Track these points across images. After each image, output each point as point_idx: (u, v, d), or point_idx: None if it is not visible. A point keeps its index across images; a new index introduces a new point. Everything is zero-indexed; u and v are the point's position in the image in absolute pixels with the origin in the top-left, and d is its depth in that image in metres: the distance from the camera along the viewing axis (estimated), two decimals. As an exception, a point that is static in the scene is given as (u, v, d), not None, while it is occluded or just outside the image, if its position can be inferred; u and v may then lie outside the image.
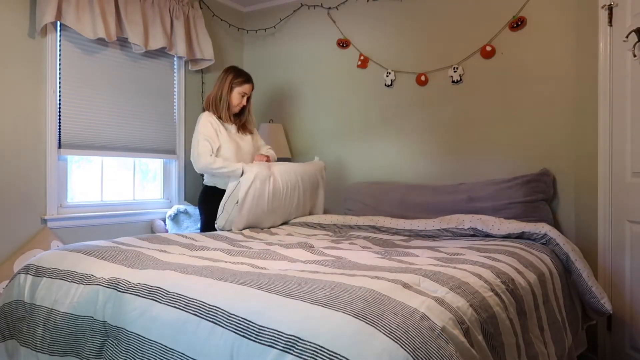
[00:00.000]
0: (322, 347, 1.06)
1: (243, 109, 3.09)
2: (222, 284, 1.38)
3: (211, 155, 2.86)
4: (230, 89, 2.98)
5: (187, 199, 3.68)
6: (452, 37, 3.17)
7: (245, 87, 3.01)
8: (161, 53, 3.48)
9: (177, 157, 3.65)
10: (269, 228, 2.90)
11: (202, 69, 3.76)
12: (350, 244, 2.26)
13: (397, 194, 3.17)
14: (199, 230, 3.31)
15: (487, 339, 1.32)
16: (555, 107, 2.84)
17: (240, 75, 3.02)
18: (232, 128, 3.04)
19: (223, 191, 2.86)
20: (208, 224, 2.94)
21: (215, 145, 2.89)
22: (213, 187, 2.97)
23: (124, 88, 3.28)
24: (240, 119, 3.09)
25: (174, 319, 1.33)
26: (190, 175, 3.70)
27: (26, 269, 1.84)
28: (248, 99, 3.07)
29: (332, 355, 1.04)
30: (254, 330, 1.18)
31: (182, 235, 2.36)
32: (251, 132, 3.15)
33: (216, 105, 2.98)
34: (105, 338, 1.48)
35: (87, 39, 3.00)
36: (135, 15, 3.16)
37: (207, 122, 2.92)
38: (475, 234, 2.49)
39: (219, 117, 2.97)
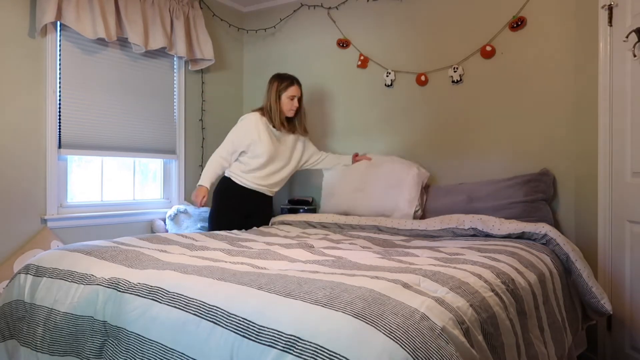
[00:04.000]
0: (322, 347, 1.06)
1: (296, 112, 3.10)
2: (222, 284, 1.38)
3: (226, 159, 3.02)
4: (279, 97, 3.01)
5: (187, 199, 3.68)
6: (452, 37, 3.17)
7: (292, 90, 3.02)
8: (161, 53, 3.48)
9: (177, 157, 3.65)
10: (269, 226, 2.92)
11: (202, 69, 3.76)
12: (350, 244, 2.26)
13: (397, 194, 3.16)
14: (198, 230, 3.31)
15: (487, 339, 1.32)
16: (555, 107, 2.84)
17: (284, 80, 3.04)
18: (283, 134, 3.08)
19: (236, 185, 3.01)
20: (214, 216, 3.06)
21: (243, 149, 3.00)
22: (228, 178, 3.06)
23: (124, 88, 3.28)
24: (295, 123, 3.12)
25: (174, 319, 1.33)
26: (190, 176, 3.71)
27: (26, 269, 1.84)
28: (299, 101, 3.08)
29: (332, 355, 1.04)
30: (254, 330, 1.18)
31: (182, 235, 2.36)
32: (302, 133, 3.17)
33: (269, 115, 3.02)
34: (105, 338, 1.48)
35: (87, 38, 3.00)
36: (135, 15, 3.16)
37: (251, 124, 2.99)
38: (475, 234, 2.49)
39: (272, 125, 3.02)
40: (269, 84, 3.06)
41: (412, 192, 2.95)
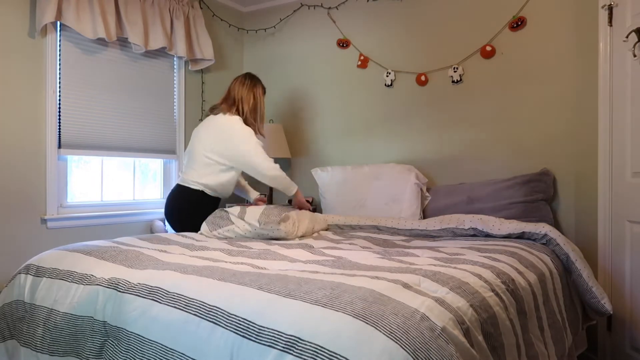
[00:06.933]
0: (322, 347, 1.06)
1: None
2: (222, 284, 1.38)
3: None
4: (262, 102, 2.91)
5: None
6: (452, 37, 3.17)
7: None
8: (161, 53, 3.48)
9: (177, 157, 3.65)
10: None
11: (202, 69, 3.76)
12: (350, 244, 2.26)
13: (397, 194, 3.16)
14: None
15: (487, 339, 1.32)
16: (555, 107, 2.84)
17: (261, 84, 2.95)
18: None
19: (213, 198, 2.75)
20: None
21: None
22: (201, 191, 2.72)
23: (124, 88, 3.28)
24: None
25: (174, 319, 1.33)
26: (190, 175, 3.70)
27: (26, 269, 1.84)
28: None
29: (332, 356, 1.04)
30: (254, 330, 1.18)
31: (182, 235, 2.37)
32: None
33: (253, 120, 2.83)
34: (105, 338, 1.48)
35: (87, 39, 3.00)
36: (135, 15, 3.15)
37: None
38: (475, 234, 2.49)
39: (256, 131, 2.81)
40: (251, 86, 2.86)
41: (413, 204, 2.96)
